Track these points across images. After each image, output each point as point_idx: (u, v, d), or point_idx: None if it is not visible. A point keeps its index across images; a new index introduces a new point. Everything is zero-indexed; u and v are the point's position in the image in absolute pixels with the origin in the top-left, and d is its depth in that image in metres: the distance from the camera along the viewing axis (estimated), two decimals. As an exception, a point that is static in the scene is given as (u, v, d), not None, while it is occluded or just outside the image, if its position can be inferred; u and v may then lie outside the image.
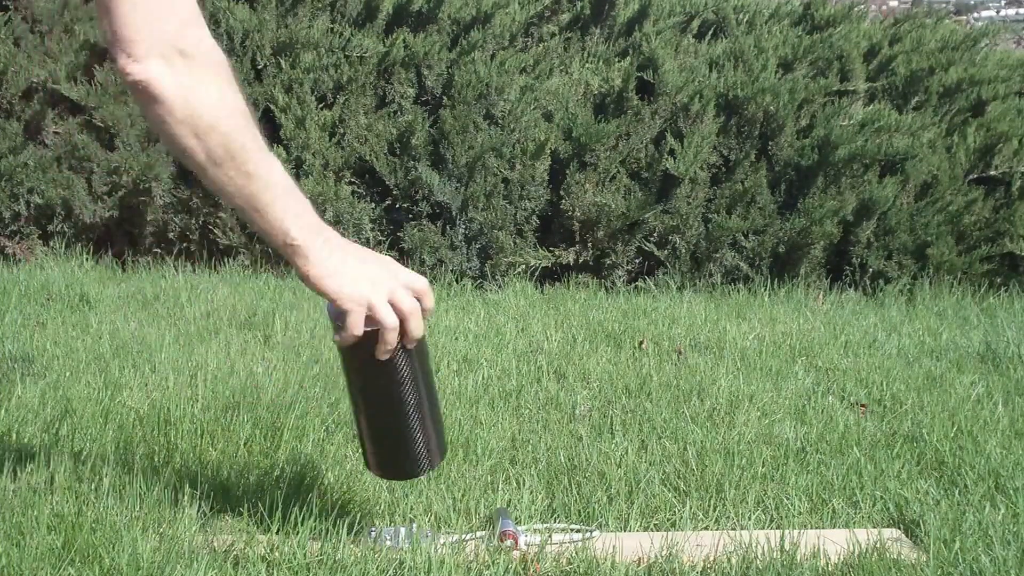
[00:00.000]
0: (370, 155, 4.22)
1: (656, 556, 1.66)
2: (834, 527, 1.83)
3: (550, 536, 1.70)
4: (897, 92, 4.60)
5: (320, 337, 3.03)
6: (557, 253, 4.24)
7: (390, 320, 1.50)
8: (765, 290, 4.08)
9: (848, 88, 4.54)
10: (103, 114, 4.30)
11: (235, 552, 1.62)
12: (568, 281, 4.17)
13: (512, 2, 4.72)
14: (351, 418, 1.71)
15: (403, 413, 1.58)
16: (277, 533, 1.68)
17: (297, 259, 1.47)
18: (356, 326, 1.49)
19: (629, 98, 4.31)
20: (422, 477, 1.64)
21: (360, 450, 1.70)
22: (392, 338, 1.50)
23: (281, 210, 1.45)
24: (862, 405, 2.55)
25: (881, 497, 1.93)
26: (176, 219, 4.29)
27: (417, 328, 1.52)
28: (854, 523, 1.84)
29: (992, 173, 4.40)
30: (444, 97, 4.32)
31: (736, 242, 4.23)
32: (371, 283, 1.50)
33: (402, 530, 1.67)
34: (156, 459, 1.90)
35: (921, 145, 4.32)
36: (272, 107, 4.29)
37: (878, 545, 1.69)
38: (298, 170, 4.23)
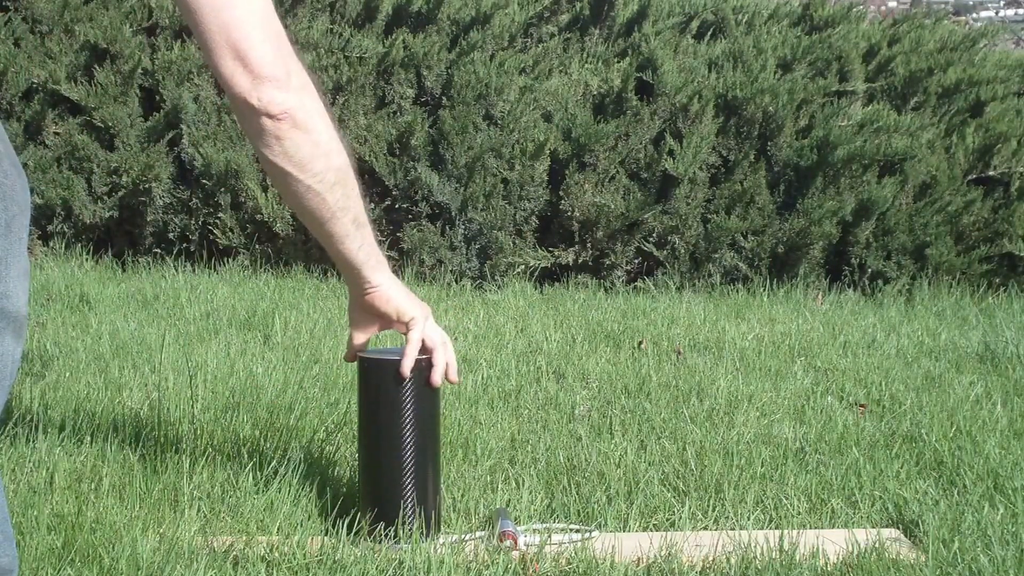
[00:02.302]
0: (369, 155, 4.22)
1: (655, 556, 1.66)
2: (833, 527, 1.83)
3: (549, 536, 1.70)
4: (896, 92, 4.60)
5: (319, 337, 3.04)
6: (556, 253, 4.24)
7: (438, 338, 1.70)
8: (764, 290, 4.09)
9: (847, 88, 4.54)
10: (103, 114, 4.30)
11: (235, 552, 1.62)
12: (567, 281, 4.17)
13: (511, 3, 4.72)
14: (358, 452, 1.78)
15: (402, 448, 1.67)
16: (277, 533, 1.69)
17: (381, 268, 1.63)
18: (416, 319, 1.67)
19: (628, 98, 4.32)
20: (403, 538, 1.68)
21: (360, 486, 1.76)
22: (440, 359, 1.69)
23: (369, 224, 1.60)
24: (861, 405, 2.55)
25: (880, 497, 1.93)
26: (176, 219, 4.29)
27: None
28: (853, 523, 1.85)
29: (991, 173, 4.40)
30: (443, 98, 4.32)
31: (735, 242, 4.23)
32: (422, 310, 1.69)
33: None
34: (156, 459, 1.91)
35: (920, 145, 4.33)
36: (272, 107, 4.29)
37: (877, 545, 1.69)
38: (298, 170, 4.23)
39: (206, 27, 1.35)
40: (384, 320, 1.69)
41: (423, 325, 1.67)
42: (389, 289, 1.64)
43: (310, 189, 1.48)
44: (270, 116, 1.39)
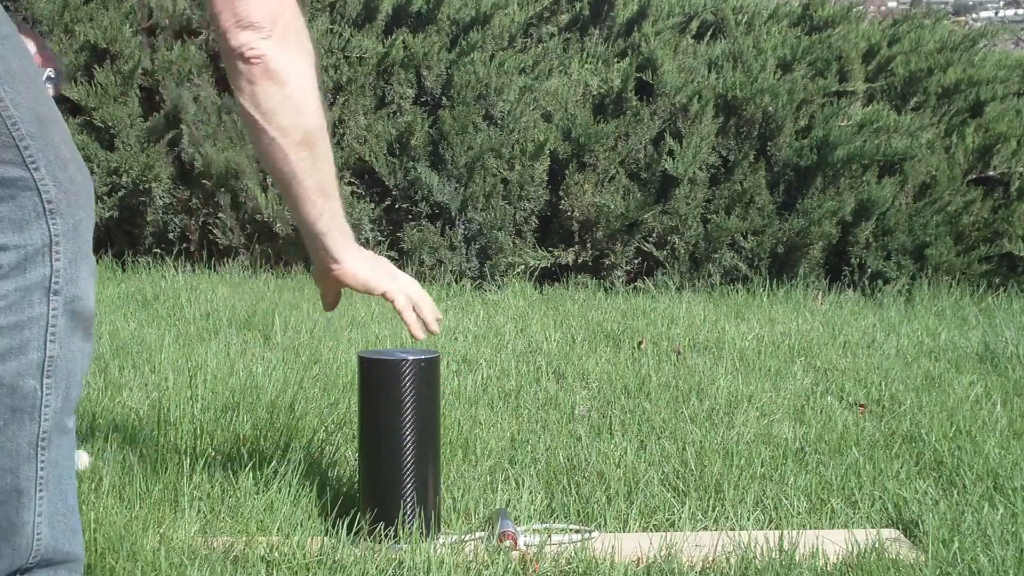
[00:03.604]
0: (369, 155, 4.22)
1: (655, 556, 1.66)
2: (833, 527, 1.83)
3: (549, 536, 1.70)
4: (896, 93, 4.60)
5: (319, 337, 3.03)
6: (556, 253, 4.24)
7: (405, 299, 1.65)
8: (764, 290, 4.09)
9: (847, 89, 4.54)
10: (103, 114, 4.30)
11: (235, 552, 1.62)
12: (567, 281, 4.17)
13: (511, 3, 4.72)
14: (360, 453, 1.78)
15: (402, 448, 1.67)
16: (277, 533, 1.69)
17: (343, 243, 1.58)
18: (390, 291, 1.63)
19: (628, 99, 4.32)
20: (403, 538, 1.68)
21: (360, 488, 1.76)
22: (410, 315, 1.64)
23: (338, 198, 1.56)
24: (861, 405, 2.55)
25: (880, 497, 1.93)
26: (176, 219, 4.29)
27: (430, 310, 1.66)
28: (853, 523, 1.85)
29: (991, 173, 4.40)
30: (443, 98, 4.32)
31: (735, 242, 4.23)
32: (389, 275, 1.65)
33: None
34: (156, 459, 1.91)
35: (920, 145, 4.33)
36: (271, 107, 4.30)
37: (877, 545, 1.69)
38: (297, 170, 4.24)
39: None
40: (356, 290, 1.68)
41: (402, 292, 1.65)
42: (354, 265, 1.61)
43: (274, 142, 1.47)
44: (244, 59, 1.41)
